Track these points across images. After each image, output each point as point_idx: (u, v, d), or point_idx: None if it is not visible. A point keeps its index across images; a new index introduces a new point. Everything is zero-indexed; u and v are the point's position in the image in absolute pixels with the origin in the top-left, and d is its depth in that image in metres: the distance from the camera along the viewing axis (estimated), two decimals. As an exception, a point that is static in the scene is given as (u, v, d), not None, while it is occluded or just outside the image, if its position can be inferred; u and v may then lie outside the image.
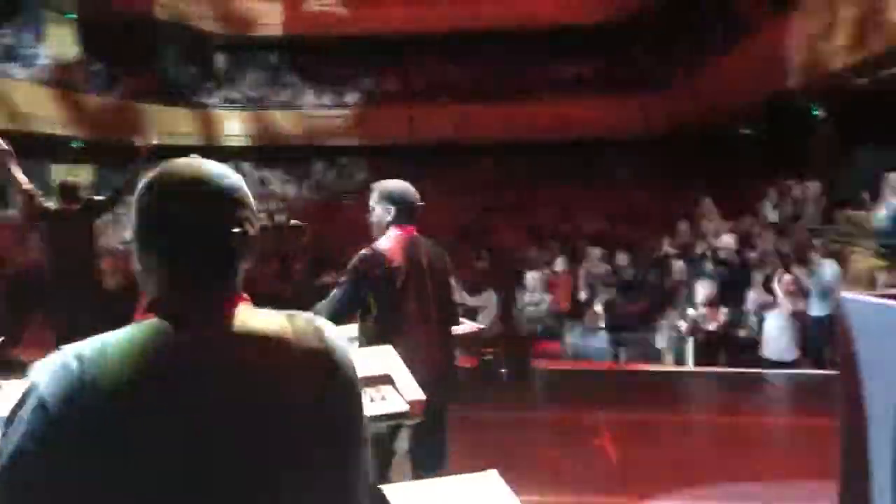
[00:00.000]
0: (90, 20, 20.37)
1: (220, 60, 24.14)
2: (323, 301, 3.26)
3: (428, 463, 3.36)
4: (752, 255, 10.35)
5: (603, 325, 8.70)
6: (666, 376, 7.32)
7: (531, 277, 8.92)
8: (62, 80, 18.73)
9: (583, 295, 9.15)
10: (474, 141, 21.58)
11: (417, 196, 3.40)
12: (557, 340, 8.46)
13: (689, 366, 7.44)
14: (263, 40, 23.27)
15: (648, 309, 9.38)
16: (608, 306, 8.96)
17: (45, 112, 17.34)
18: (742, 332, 7.72)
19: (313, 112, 22.29)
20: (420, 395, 2.75)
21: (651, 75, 20.55)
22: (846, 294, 3.07)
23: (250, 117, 22.41)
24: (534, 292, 8.74)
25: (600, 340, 8.39)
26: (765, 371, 6.88)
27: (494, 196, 19.16)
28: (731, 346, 7.42)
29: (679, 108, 17.87)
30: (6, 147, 5.48)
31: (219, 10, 22.47)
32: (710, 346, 7.34)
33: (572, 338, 8.49)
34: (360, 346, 3.22)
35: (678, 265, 10.07)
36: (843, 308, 3.13)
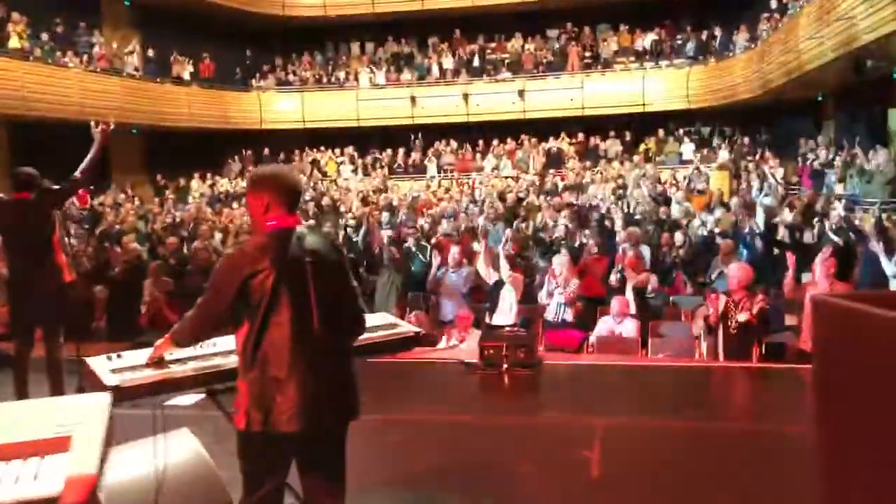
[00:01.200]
0: (146, 6, 20.55)
1: (276, 43, 24.04)
2: (189, 312, 2.73)
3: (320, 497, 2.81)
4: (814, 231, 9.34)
5: (633, 313, 7.93)
6: (690, 373, 6.49)
7: (558, 260, 8.19)
8: (120, 67, 18.93)
9: (614, 279, 8.36)
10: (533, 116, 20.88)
11: (299, 181, 2.82)
12: (581, 330, 7.71)
13: (720, 360, 6.59)
14: (319, 22, 23.02)
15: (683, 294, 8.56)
16: (639, 292, 8.17)
17: (99, 99, 17.48)
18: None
19: (367, 92, 21.89)
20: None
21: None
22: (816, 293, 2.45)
23: (304, 99, 22.19)
24: (560, 276, 8.01)
25: (629, 331, 7.60)
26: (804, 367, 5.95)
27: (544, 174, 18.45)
28: (767, 336, 6.54)
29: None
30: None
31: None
32: (744, 337, 6.47)
33: (599, 328, 7.72)
34: (241, 367, 2.68)
35: (726, 244, 9.16)
36: (815, 311, 2.44)
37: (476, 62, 21.95)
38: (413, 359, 6.49)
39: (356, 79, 22.26)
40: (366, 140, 22.11)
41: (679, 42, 20.69)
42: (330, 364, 2.69)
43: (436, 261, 8.53)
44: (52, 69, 16.49)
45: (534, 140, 20.82)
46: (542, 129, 20.88)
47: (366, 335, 3.11)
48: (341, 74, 22.67)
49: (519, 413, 5.44)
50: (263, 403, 2.61)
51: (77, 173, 5.14)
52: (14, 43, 15.96)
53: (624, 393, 5.97)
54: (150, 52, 20.16)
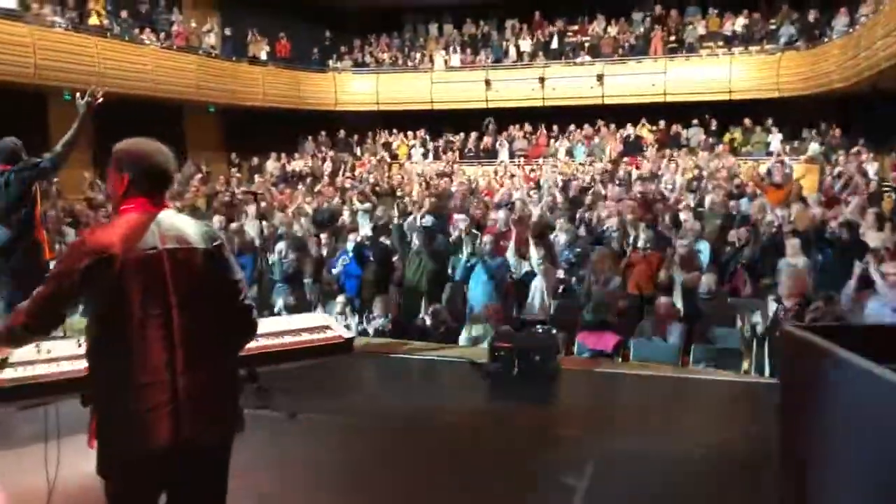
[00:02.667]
0: (225, -15, 20.76)
1: (354, 24, 23.93)
2: (23, 304, 2.35)
3: None
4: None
5: (680, 316, 7.29)
6: (729, 387, 5.80)
7: (596, 253, 7.62)
8: (197, 45, 19.15)
9: (663, 276, 7.71)
10: (611, 102, 20.05)
11: (165, 159, 2.42)
12: (619, 332, 7.10)
13: (765, 375, 5.89)
14: (398, 4, 22.78)
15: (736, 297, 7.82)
16: (688, 293, 7.50)
17: (174, 77, 17.73)
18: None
19: (442, 75, 21.48)
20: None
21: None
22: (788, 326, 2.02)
23: (379, 81, 21.98)
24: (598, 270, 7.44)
25: (672, 335, 6.96)
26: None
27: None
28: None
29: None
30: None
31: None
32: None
33: (639, 332, 7.10)
34: (90, 372, 2.33)
35: (793, 243, 8.31)
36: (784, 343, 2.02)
37: (554, 45, 21.22)
38: (420, 354, 6.11)
39: (431, 61, 21.88)
40: (438, 123, 21.74)
41: (772, 27, 19.40)
42: (197, 369, 2.30)
43: (467, 249, 8.09)
44: (128, 46, 16.77)
45: (611, 127, 20.01)
46: (621, 115, 20.01)
47: (287, 339, 2.72)
48: (417, 57, 22.33)
49: (511, 426, 4.89)
50: (114, 417, 2.25)
51: (58, 147, 4.94)
52: (93, 20, 16.27)
53: (644, 411, 5.29)
54: (228, 32, 20.30)
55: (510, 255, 7.55)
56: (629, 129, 19.76)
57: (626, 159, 17.79)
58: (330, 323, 3.05)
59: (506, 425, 4.87)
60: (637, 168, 16.89)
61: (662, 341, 6.92)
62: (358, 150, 21.36)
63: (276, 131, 21.29)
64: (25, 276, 4.91)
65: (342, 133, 21.82)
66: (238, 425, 2.43)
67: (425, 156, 20.79)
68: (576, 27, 21.77)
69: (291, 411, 4.80)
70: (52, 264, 5.11)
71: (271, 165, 19.75)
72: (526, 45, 21.43)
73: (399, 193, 14.15)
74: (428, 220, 9.50)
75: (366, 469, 4.24)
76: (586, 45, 20.92)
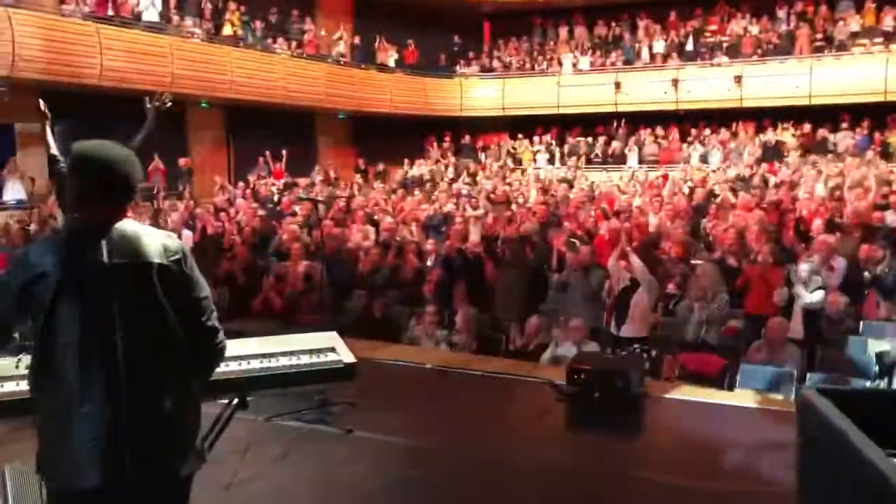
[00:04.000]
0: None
1: (482, 29, 23.82)
2: None
3: None
4: None
5: (800, 339, 6.55)
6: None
7: (701, 267, 6.99)
8: (327, 53, 19.62)
9: (778, 295, 6.95)
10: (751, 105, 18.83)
11: (126, 165, 2.22)
12: (726, 355, 6.46)
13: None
14: (528, 7, 22.46)
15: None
16: (808, 315, 6.71)
17: (304, 84, 18.22)
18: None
19: (569, 78, 20.94)
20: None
21: None
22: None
23: (505, 86, 21.72)
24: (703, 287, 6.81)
25: (789, 362, 6.25)
26: None
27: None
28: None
29: None
30: (45, 110, 5.33)
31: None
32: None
33: (751, 354, 6.44)
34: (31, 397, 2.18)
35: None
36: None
37: (689, 45, 20.19)
38: (499, 372, 5.77)
39: (559, 64, 21.38)
40: (565, 128, 21.21)
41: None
42: (145, 399, 2.09)
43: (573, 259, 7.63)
44: (259, 55, 17.36)
45: (750, 130, 18.79)
46: (761, 118, 18.76)
47: (281, 361, 2.49)
48: (544, 61, 21.90)
49: (583, 461, 4.45)
50: (52, 450, 2.08)
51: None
52: (227, 30, 16.97)
53: (751, 453, 4.49)
54: (357, 40, 20.67)
55: (610, 266, 7.04)
56: (769, 134, 18.48)
57: (763, 165, 16.59)
58: (336, 344, 2.78)
59: (577, 460, 4.44)
60: (775, 174, 15.72)
61: (776, 367, 6.23)
62: (482, 156, 21.19)
63: (403, 137, 21.51)
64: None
65: (467, 138, 21.72)
66: (193, 462, 2.20)
67: (550, 161, 20.34)
68: (714, 26, 20.64)
69: (347, 428, 4.61)
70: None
71: (402, 171, 19.92)
72: (659, 46, 20.52)
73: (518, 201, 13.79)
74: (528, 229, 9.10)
75: (411, 497, 3.97)
76: (724, 44, 19.76)
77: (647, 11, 21.41)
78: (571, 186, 15.53)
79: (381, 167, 20.50)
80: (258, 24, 17.92)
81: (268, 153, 17.06)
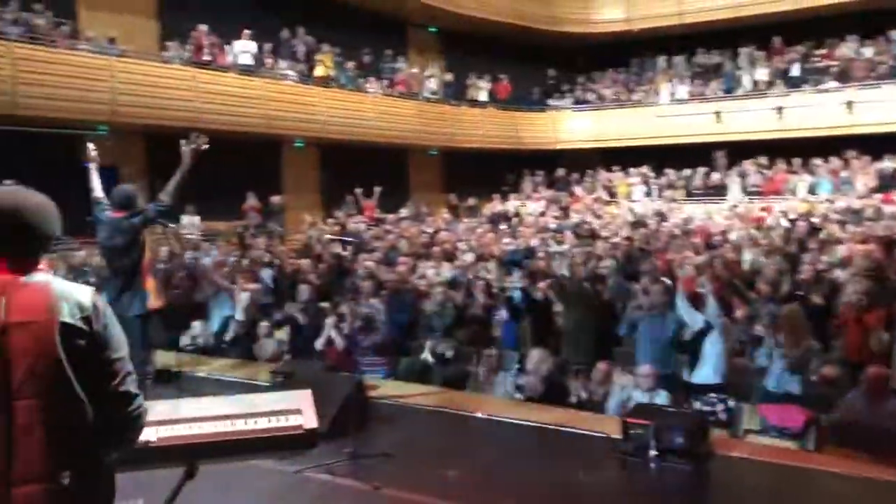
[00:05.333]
0: (450, 31, 21.30)
1: (579, 62, 23.49)
2: None
3: None
4: None
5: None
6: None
7: (785, 309, 6.37)
8: (417, 91, 19.77)
9: (876, 340, 6.24)
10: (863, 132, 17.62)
11: (33, 213, 2.03)
12: (811, 407, 5.81)
13: None
14: (623, 38, 22.01)
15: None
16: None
17: (395, 122, 18.40)
18: None
19: (667, 108, 20.28)
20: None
21: None
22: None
23: (600, 118, 21.27)
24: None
25: (888, 417, 5.56)
26: None
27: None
28: None
29: None
30: (93, 155, 5.43)
31: (574, 13, 21.93)
32: None
33: (843, 408, 5.77)
34: None
35: None
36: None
37: (795, 72, 19.19)
38: (556, 423, 5.38)
39: (656, 94, 20.76)
40: (662, 159, 20.49)
41: None
42: (41, 479, 1.86)
43: (644, 299, 7.15)
44: (351, 95, 17.64)
45: (864, 159, 17.56)
46: (875, 146, 17.50)
47: (237, 426, 2.28)
48: (642, 91, 21.34)
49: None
50: None
51: (162, 195, 4.94)
52: (319, 72, 17.34)
53: None
54: (449, 76, 20.76)
55: (681, 306, 6.53)
56: (886, 162, 17.21)
57: (877, 196, 15.43)
58: (304, 406, 2.52)
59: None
60: (892, 205, 14.58)
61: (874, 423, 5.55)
62: (576, 190, 20.73)
63: (495, 172, 21.36)
64: (127, 324, 4.98)
65: (560, 172, 21.34)
66: None
67: (647, 194, 19.64)
68: (823, 51, 19.56)
69: (375, 484, 4.34)
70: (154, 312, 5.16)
71: (489, 207, 19.74)
72: (762, 73, 19.59)
73: (604, 235, 13.31)
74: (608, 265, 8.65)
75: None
76: (832, 69, 18.66)
77: (748, 38, 20.52)
78: (665, 219, 14.91)
79: (472, 202, 20.37)
80: (350, 65, 18.24)
81: (358, 190, 17.23)
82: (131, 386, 2.00)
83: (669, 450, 4.63)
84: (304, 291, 7.99)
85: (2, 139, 10.96)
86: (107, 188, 5.35)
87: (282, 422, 2.43)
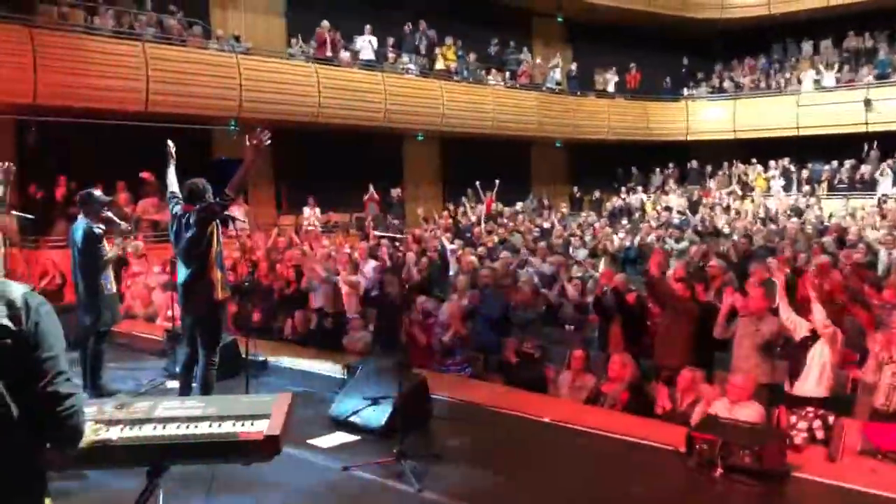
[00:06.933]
0: (578, 21, 20.82)
1: (715, 49, 22.34)
2: None
3: None
4: None
5: None
6: None
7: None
8: (540, 82, 19.46)
9: None
10: None
11: None
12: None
13: None
14: (763, 23, 20.72)
15: None
16: None
17: (516, 114, 18.20)
18: None
19: (810, 97, 18.90)
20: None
21: None
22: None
23: (737, 107, 20.12)
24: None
25: None
26: None
27: None
28: None
29: None
30: (171, 152, 5.59)
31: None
32: None
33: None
34: None
35: None
36: None
37: (960, 52, 17.38)
38: (623, 433, 5.07)
39: (798, 82, 19.39)
40: (804, 151, 19.14)
41: None
42: None
43: (740, 300, 6.59)
44: (471, 88, 17.59)
45: None
46: None
47: (198, 428, 2.24)
48: (781, 79, 19.99)
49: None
50: None
51: (227, 189, 5.00)
52: (440, 65, 17.38)
53: None
54: (574, 66, 20.30)
55: (783, 313, 5.97)
56: None
57: None
58: (275, 412, 2.41)
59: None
60: None
61: None
62: (709, 183, 19.74)
63: (623, 164, 20.71)
64: (198, 313, 5.12)
65: (693, 164, 20.39)
66: None
67: (786, 188, 18.42)
68: None
69: (419, 487, 4.22)
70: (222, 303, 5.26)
71: (615, 199, 19.16)
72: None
73: (727, 232, 12.57)
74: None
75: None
76: None
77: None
78: (800, 216, 13.89)
79: (596, 195, 19.85)
80: (472, 57, 18.18)
81: (478, 183, 17.15)
82: (62, 386, 1.96)
83: (737, 468, 4.24)
84: (392, 283, 7.96)
85: (136, 134, 11.64)
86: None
87: (245, 427, 2.35)
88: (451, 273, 9.82)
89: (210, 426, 2.35)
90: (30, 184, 11.74)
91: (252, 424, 2.36)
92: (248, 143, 5.03)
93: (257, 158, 5.09)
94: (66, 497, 3.56)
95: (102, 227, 6.06)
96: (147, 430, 2.36)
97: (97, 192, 6.22)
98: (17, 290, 1.98)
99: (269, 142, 5.06)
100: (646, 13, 20.28)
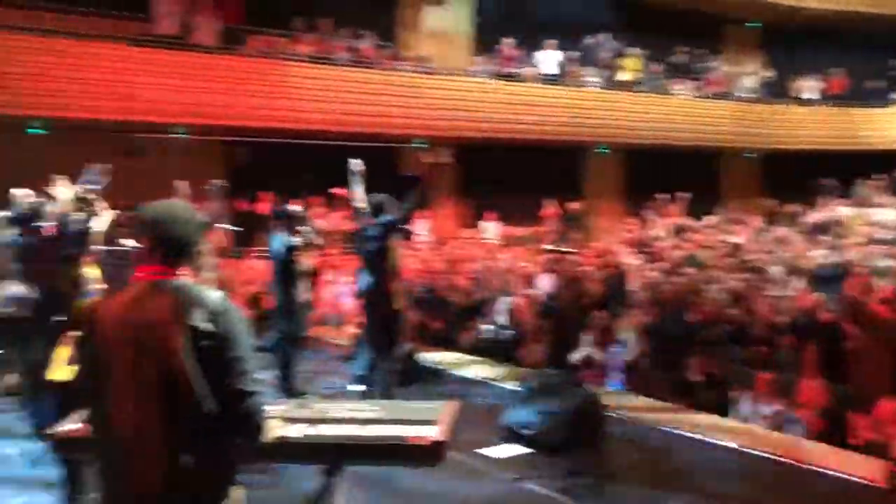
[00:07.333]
0: (773, 26, 19.73)
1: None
2: None
3: None
4: None
5: None
6: None
7: None
8: (730, 91, 18.62)
9: None
10: None
11: (178, 225, 2.26)
12: None
13: None
14: None
15: None
16: None
17: (707, 125, 17.55)
18: None
19: None
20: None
21: None
22: None
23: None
24: None
25: None
26: None
27: None
28: None
29: None
30: (359, 167, 5.88)
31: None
32: None
33: None
34: None
35: None
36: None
37: None
38: (810, 462, 4.75)
39: None
40: None
41: None
42: (165, 473, 2.11)
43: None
44: (657, 98, 17.14)
45: None
46: None
47: (371, 431, 2.38)
48: None
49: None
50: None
51: (408, 203, 5.21)
52: (624, 76, 17.09)
53: None
54: (770, 73, 19.22)
55: None
56: None
57: None
58: (442, 419, 2.48)
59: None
60: None
61: None
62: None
63: (824, 176, 19.27)
64: (378, 322, 5.36)
65: (910, 174, 18.59)
66: None
67: None
68: None
69: None
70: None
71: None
72: None
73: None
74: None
75: None
76: None
77: None
78: None
79: (793, 209, 18.58)
80: (656, 67, 17.72)
81: (663, 196, 16.61)
82: (248, 385, 2.16)
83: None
84: (569, 297, 7.91)
85: (329, 152, 12.38)
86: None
87: (414, 431, 2.45)
88: (631, 289, 9.59)
89: (381, 429, 2.48)
90: (237, 198, 12.84)
91: (421, 430, 2.46)
92: (427, 160, 5.23)
93: (437, 175, 5.27)
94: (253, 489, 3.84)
95: (298, 240, 6.51)
96: (323, 430, 2.53)
97: (293, 207, 6.69)
98: (214, 296, 2.21)
99: (449, 159, 5.23)
100: (851, 13, 18.82)
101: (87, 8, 12.36)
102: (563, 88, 16.01)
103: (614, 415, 5.57)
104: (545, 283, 10.07)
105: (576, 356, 7.36)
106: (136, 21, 12.86)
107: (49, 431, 2.77)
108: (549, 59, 16.28)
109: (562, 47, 16.53)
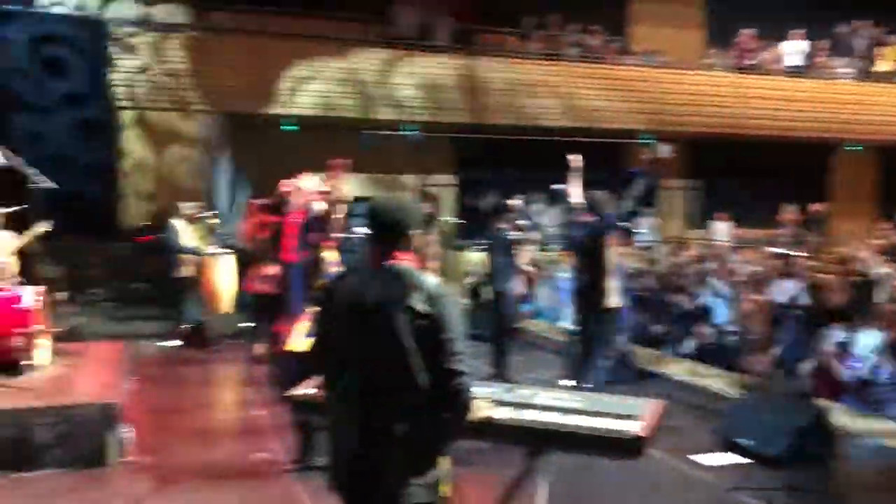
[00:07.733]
0: None
1: None
2: None
3: None
4: None
5: None
6: None
7: None
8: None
9: None
10: None
11: (394, 211, 2.47)
12: None
13: None
14: None
15: None
16: None
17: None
18: None
19: None
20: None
21: None
22: None
23: None
24: None
25: None
26: None
27: None
28: None
29: None
30: (577, 164, 5.85)
31: None
32: None
33: None
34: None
35: None
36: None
37: None
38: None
39: None
40: None
41: None
42: (376, 424, 2.33)
43: None
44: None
45: None
46: None
47: (574, 420, 2.46)
48: None
49: None
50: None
51: (628, 200, 5.14)
52: (882, 66, 15.52)
53: None
54: None
55: None
56: None
57: None
58: (645, 415, 2.44)
59: None
60: None
61: None
62: None
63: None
64: (589, 318, 5.34)
65: None
66: (417, 492, 2.34)
67: None
68: None
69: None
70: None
71: None
72: None
73: None
74: None
75: None
76: None
77: None
78: None
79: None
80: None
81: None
82: (456, 364, 2.31)
83: None
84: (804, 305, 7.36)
85: (558, 147, 12.41)
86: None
87: (617, 425, 2.46)
88: (878, 301, 8.72)
89: (583, 419, 2.52)
90: (465, 194, 13.31)
91: (623, 424, 2.47)
92: (651, 156, 5.14)
93: (662, 171, 5.17)
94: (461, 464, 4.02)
95: (516, 234, 6.66)
96: (528, 414, 2.63)
97: (512, 202, 6.85)
98: (432, 282, 2.39)
99: (673, 155, 5.11)
100: None
101: (331, 13, 13.31)
102: (809, 81, 14.86)
103: (845, 432, 5.14)
104: (780, 289, 9.45)
105: (806, 367, 6.86)
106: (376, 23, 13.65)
107: (287, 394, 3.11)
108: (794, 49, 15.16)
109: (809, 37, 15.32)
